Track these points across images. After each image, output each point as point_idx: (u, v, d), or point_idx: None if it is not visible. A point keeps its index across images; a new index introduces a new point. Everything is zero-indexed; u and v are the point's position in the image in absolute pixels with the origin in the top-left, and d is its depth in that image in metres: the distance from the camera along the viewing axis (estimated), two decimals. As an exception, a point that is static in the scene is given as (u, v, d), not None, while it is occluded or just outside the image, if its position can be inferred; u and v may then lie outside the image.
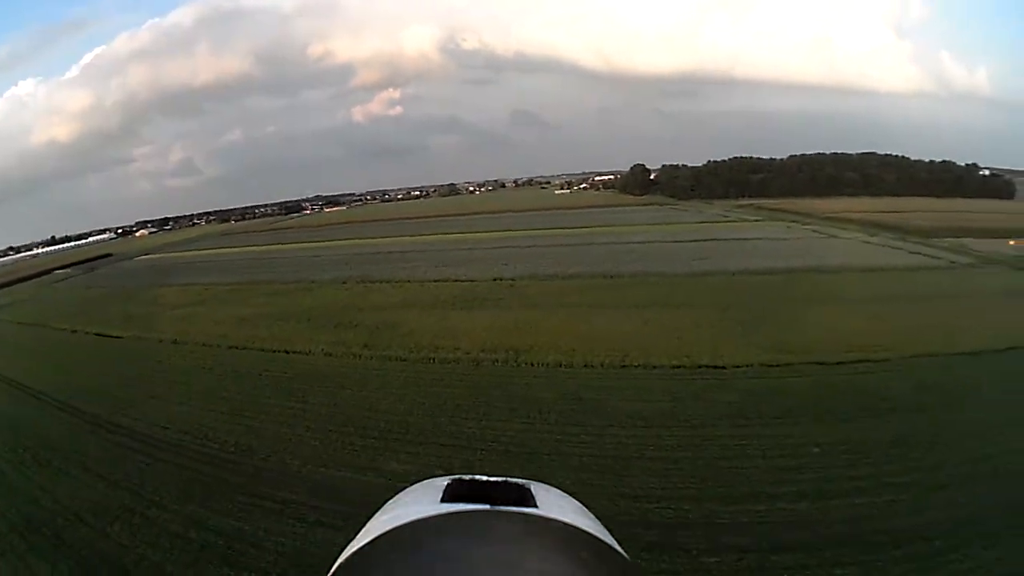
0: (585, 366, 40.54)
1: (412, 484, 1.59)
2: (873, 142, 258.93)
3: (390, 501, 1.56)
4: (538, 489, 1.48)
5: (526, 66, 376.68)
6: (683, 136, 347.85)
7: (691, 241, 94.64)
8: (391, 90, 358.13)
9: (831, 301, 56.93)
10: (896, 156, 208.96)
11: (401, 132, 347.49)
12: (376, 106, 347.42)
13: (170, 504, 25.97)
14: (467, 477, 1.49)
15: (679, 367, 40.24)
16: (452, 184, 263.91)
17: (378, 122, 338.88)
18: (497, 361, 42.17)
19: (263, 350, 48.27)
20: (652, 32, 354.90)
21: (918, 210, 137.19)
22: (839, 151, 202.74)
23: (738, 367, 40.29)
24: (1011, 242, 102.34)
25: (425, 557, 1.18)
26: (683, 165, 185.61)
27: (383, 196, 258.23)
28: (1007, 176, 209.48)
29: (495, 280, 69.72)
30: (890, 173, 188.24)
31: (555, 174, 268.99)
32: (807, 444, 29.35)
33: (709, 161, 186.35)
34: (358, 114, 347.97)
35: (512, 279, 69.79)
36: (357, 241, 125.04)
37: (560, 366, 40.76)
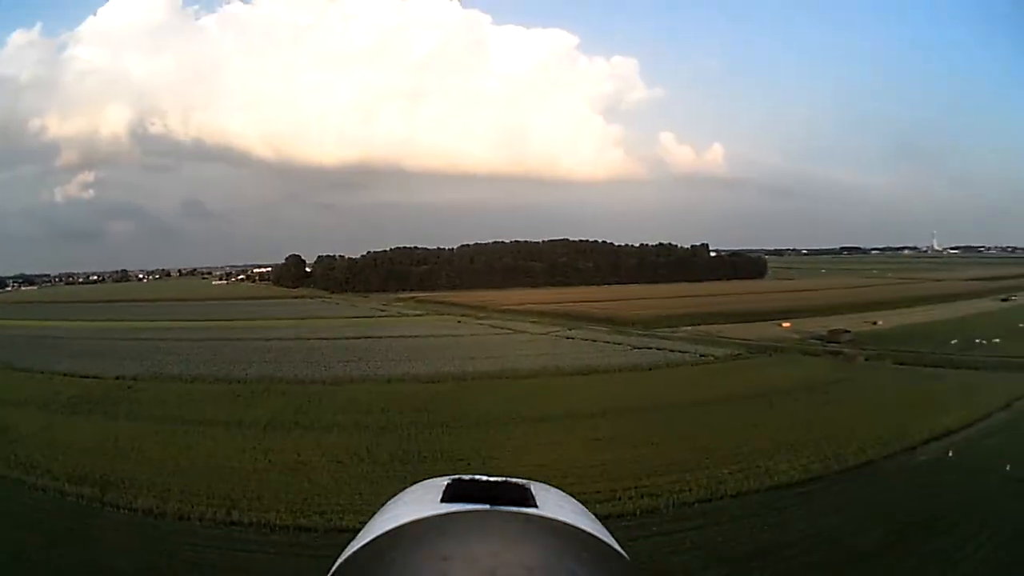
0: (180, 518, 31.24)
1: (412, 484, 1.63)
2: (570, 230, 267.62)
3: (390, 501, 1.59)
4: (538, 489, 1.49)
5: (203, 154, 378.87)
6: (349, 228, 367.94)
7: (339, 339, 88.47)
8: (86, 172, 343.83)
9: (534, 418, 47.01)
10: (595, 242, 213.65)
11: (91, 216, 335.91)
12: (73, 188, 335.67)
13: None
14: (467, 477, 1.52)
15: (308, 530, 29.70)
16: (124, 271, 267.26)
17: (74, 204, 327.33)
18: (82, 498, 34.00)
19: None
20: (324, 123, 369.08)
21: (628, 298, 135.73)
22: (522, 239, 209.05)
23: (400, 530, 29.71)
24: (785, 324, 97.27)
25: (425, 557, 1.17)
26: (340, 256, 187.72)
27: (68, 279, 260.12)
28: (757, 255, 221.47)
29: (117, 379, 62.27)
30: (586, 260, 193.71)
31: (220, 265, 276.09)
32: None
33: (368, 252, 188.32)
34: (59, 195, 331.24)
35: (135, 378, 62.44)
36: (25, 323, 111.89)
37: (151, 513, 31.77)
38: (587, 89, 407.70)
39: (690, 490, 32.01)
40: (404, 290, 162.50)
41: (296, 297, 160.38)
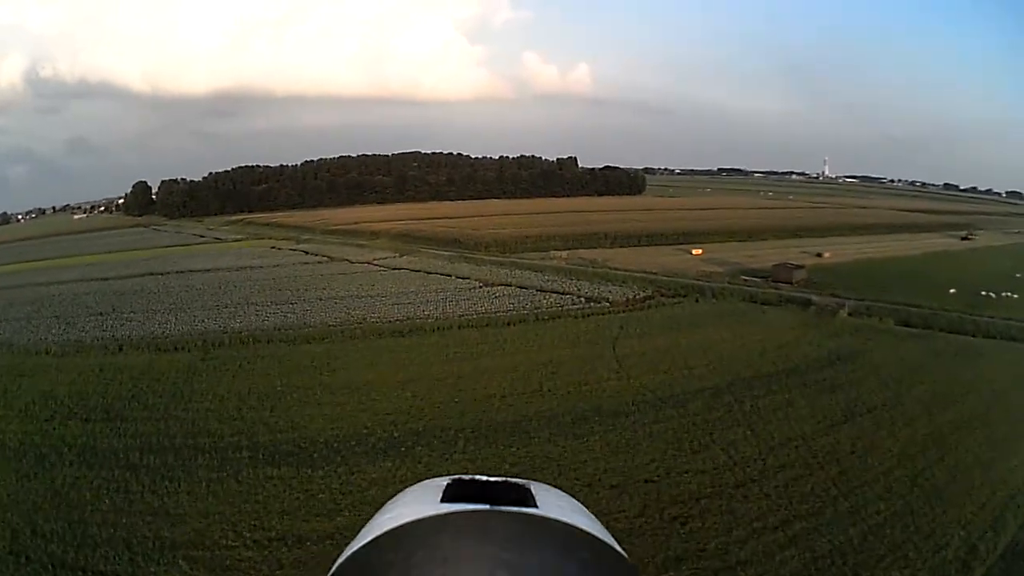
0: None
1: (412, 484, 1.54)
2: (427, 147, 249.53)
3: (390, 501, 1.52)
4: (538, 489, 1.46)
5: (87, 92, 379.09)
6: (215, 156, 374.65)
7: (119, 278, 79.27)
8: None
9: (285, 448, 29.98)
10: (449, 154, 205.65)
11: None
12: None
13: None
14: (467, 477, 1.49)
15: None
16: (5, 213, 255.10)
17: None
18: None
19: None
20: (197, 54, 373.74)
21: (483, 214, 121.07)
22: (370, 152, 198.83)
23: None
24: (696, 251, 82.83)
25: (425, 557, 1.16)
26: (182, 179, 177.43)
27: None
28: (632, 170, 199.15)
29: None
30: (439, 174, 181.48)
31: (97, 199, 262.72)
32: None
33: (210, 173, 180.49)
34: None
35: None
36: None
37: None
38: (452, 12, 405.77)
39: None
40: (243, 212, 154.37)
41: (133, 226, 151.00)
